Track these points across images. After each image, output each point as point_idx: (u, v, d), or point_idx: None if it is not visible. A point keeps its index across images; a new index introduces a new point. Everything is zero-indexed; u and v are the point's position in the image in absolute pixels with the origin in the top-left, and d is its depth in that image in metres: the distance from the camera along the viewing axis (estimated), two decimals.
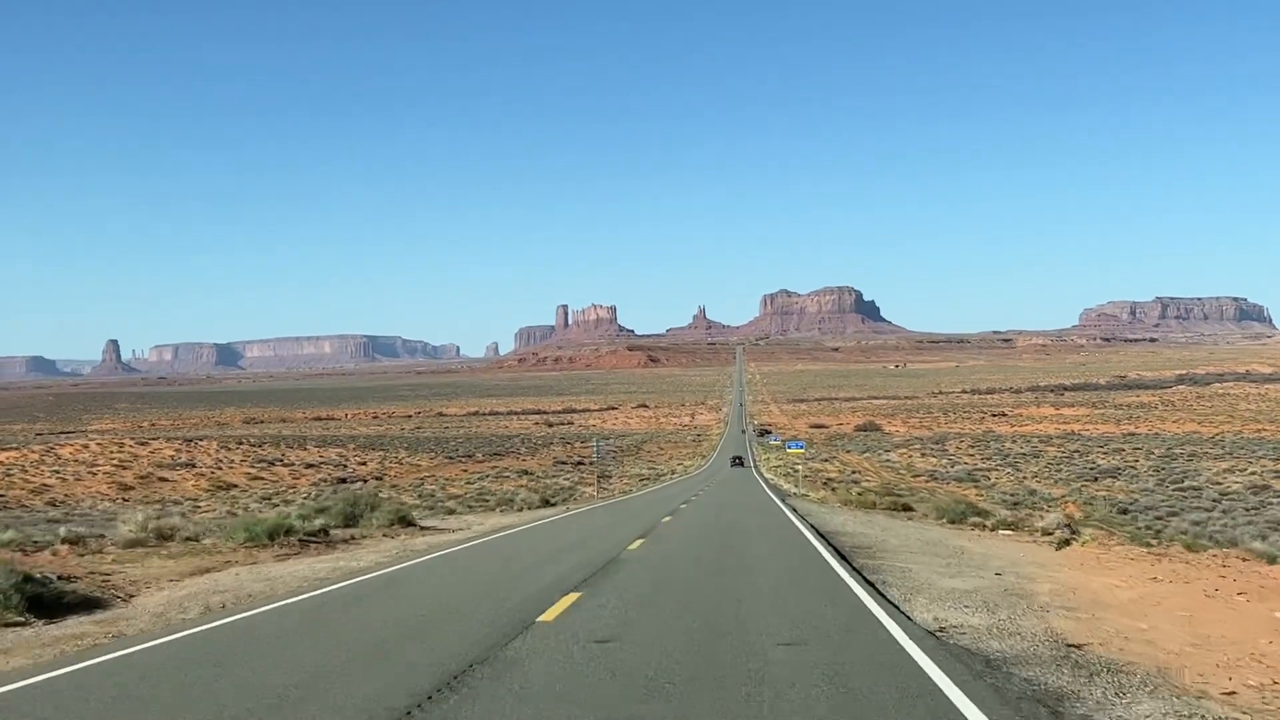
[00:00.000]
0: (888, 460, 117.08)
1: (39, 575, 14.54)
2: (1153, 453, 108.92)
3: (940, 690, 8.53)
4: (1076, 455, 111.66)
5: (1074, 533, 25.53)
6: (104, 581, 16.85)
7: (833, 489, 70.92)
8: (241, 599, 14.31)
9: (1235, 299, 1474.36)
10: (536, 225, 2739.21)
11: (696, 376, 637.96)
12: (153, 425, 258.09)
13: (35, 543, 21.60)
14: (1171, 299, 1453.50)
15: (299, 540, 23.03)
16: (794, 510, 37.99)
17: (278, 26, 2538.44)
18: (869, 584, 15.36)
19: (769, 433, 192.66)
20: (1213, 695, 8.74)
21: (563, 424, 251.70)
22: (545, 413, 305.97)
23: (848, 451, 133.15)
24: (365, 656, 10.00)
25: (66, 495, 75.51)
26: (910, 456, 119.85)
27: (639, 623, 11.78)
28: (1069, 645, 10.77)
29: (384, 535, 26.61)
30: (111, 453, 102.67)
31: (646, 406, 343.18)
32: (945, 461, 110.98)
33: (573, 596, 13.75)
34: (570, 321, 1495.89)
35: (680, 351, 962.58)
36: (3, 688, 8.97)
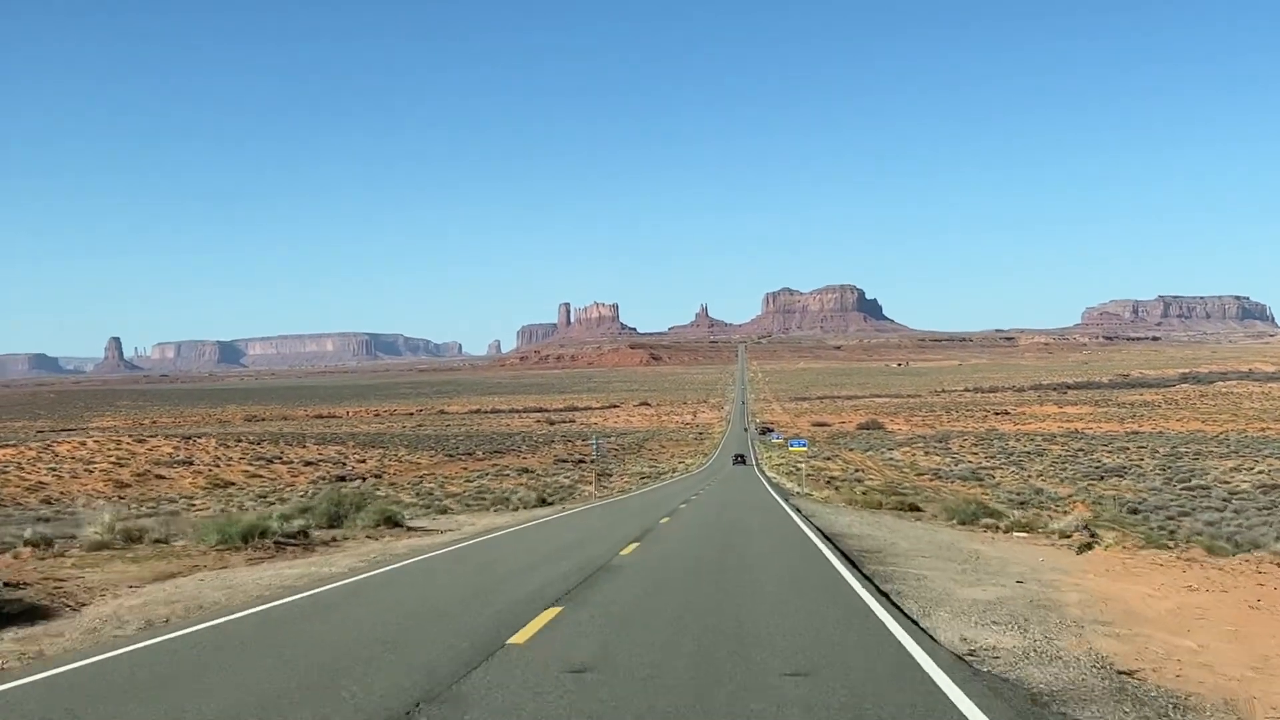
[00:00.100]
0: (891, 459, 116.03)
1: None
2: (1158, 451, 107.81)
3: None
4: (1081, 454, 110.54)
5: (1093, 535, 24.30)
6: (56, 588, 15.67)
7: (836, 488, 69.76)
8: (191, 611, 12.97)
9: (1238, 298, 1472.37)
10: (539, 224, 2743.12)
11: (698, 375, 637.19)
12: (154, 423, 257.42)
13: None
14: (1174, 298, 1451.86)
15: (275, 543, 21.80)
16: (797, 510, 36.71)
17: (279, 25, 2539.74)
18: (882, 595, 13.92)
19: (770, 431, 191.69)
20: None
21: (564, 422, 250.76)
22: (547, 411, 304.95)
23: (850, 450, 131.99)
24: (300, 688, 8.55)
25: (62, 493, 74.62)
26: (914, 455, 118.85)
27: (623, 646, 10.15)
28: (1120, 673, 9.35)
29: (368, 537, 25.36)
30: (109, 450, 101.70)
31: (648, 404, 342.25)
32: (949, 460, 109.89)
33: (552, 612, 12.17)
34: (573, 320, 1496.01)
35: (682, 350, 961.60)
36: None
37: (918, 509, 41.45)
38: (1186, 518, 51.12)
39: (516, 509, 45.00)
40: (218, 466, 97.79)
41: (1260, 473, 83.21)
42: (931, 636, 10.97)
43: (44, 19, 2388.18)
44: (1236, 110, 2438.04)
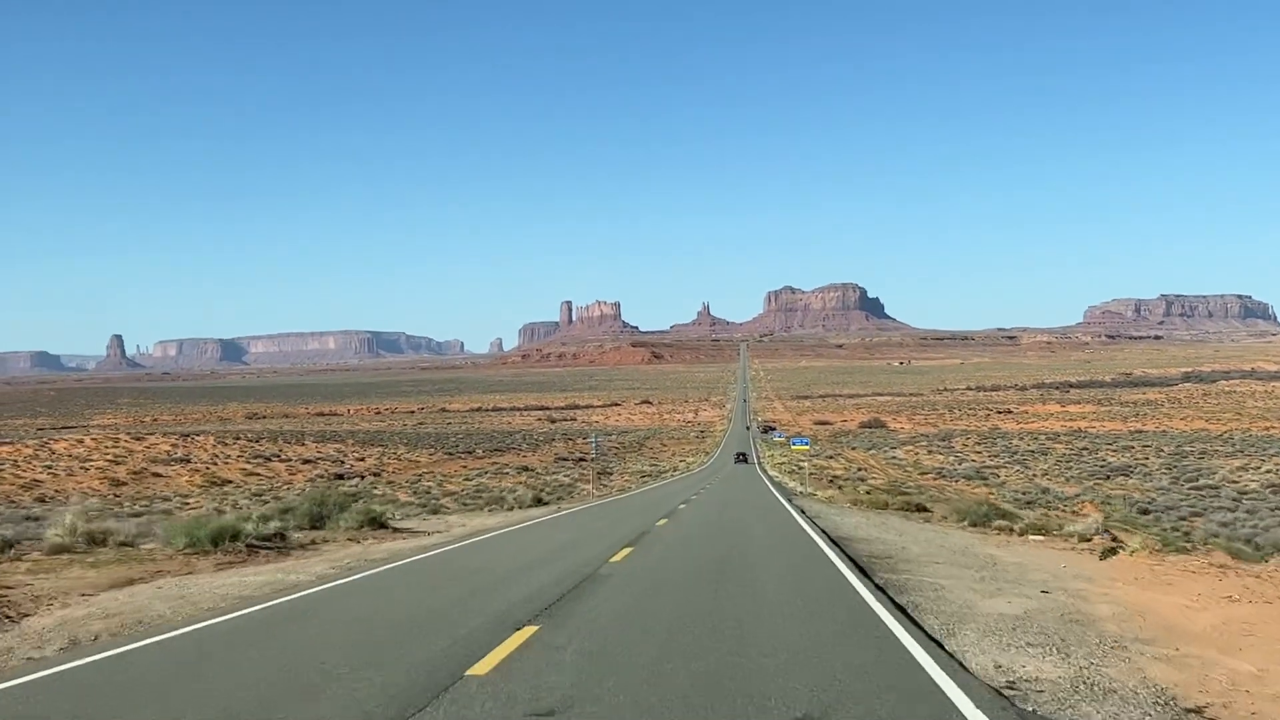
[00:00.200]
0: (894, 457, 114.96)
1: None
2: (1163, 450, 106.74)
3: None
4: (1085, 452, 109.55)
5: (1115, 540, 23.05)
6: (0, 597, 14.45)
7: (840, 487, 68.57)
8: (128, 627, 11.63)
9: (1240, 296, 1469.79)
10: (541, 222, 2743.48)
11: (700, 373, 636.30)
12: (155, 420, 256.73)
13: None
14: (1176, 296, 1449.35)
15: (248, 546, 20.57)
16: (801, 511, 35.40)
17: (279, 23, 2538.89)
18: (899, 609, 12.54)
19: (772, 429, 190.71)
20: None
21: (565, 420, 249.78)
22: (548, 409, 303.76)
23: (853, 448, 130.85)
24: None
25: (57, 491, 73.83)
26: (917, 454, 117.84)
27: (602, 679, 8.57)
28: (1187, 711, 7.95)
29: (349, 539, 24.12)
30: (106, 448, 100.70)
31: (650, 403, 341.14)
32: (952, 459, 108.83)
33: (525, 633, 10.60)
34: (574, 318, 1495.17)
35: (684, 348, 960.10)
36: None
37: (925, 509, 40.22)
38: (1199, 518, 50.16)
39: (511, 509, 43.84)
40: (215, 464, 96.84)
41: (1268, 472, 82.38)
42: (961, 663, 9.46)
43: (44, 18, 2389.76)
44: (1238, 109, 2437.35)
